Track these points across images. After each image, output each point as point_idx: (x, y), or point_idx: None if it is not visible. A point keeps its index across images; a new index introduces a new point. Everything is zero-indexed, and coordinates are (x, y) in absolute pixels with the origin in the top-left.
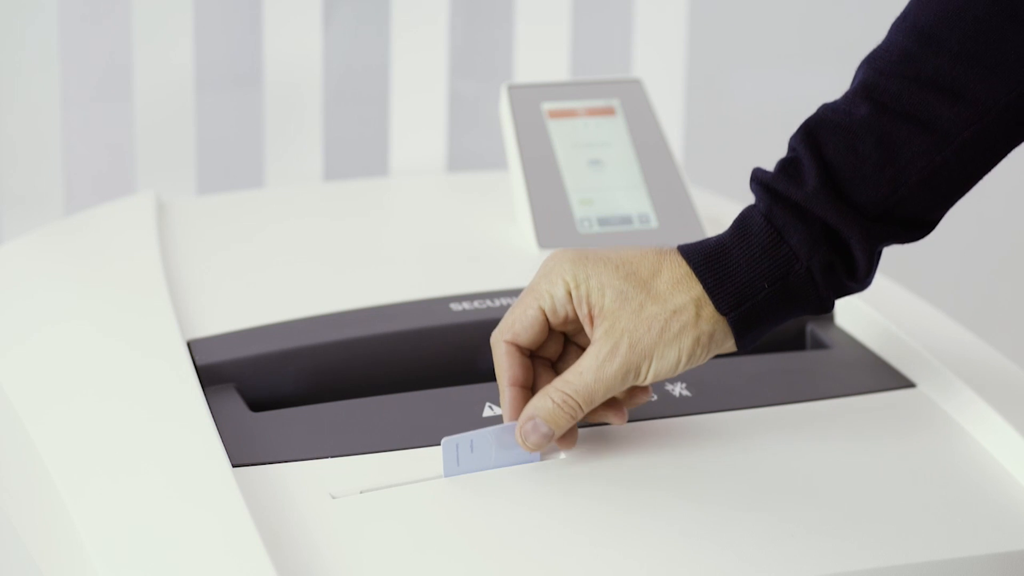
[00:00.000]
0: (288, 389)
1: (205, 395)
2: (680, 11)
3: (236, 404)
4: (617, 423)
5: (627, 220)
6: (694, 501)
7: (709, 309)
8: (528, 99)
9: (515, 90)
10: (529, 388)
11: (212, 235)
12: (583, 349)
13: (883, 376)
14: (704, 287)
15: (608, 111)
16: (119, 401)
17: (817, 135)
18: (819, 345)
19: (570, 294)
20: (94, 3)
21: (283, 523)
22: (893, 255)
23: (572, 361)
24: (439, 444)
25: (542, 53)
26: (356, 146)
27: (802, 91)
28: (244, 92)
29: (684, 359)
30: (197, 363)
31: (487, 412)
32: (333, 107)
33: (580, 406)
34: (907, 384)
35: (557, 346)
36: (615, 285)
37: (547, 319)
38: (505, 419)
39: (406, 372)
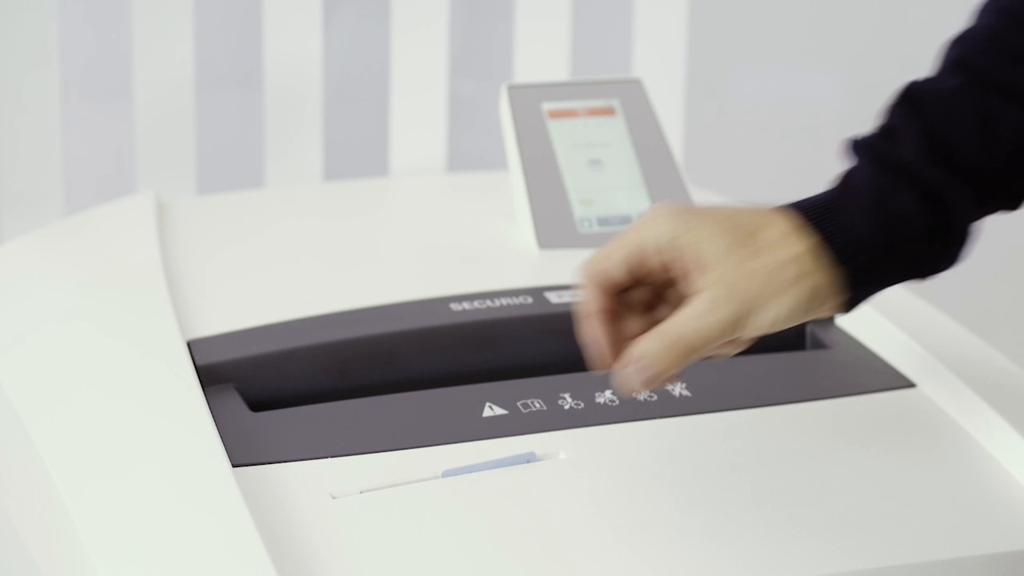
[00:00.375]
0: (288, 389)
1: (205, 395)
2: (680, 11)
3: (236, 404)
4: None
5: (627, 220)
6: (694, 501)
7: (822, 260)
8: (528, 99)
9: (515, 90)
10: (616, 330)
11: (212, 235)
12: (670, 305)
13: (883, 376)
14: (822, 236)
15: (608, 111)
16: (119, 401)
17: (914, 103)
18: (819, 345)
19: (672, 243)
20: (94, 3)
21: (283, 523)
22: None
23: (664, 315)
24: (439, 444)
25: (542, 53)
26: (356, 146)
27: (802, 91)
28: (244, 92)
29: (794, 312)
30: (197, 363)
31: (487, 412)
32: (333, 107)
33: (681, 356)
34: (907, 384)
35: (644, 295)
36: (721, 236)
37: (640, 263)
38: (594, 351)
39: (406, 372)
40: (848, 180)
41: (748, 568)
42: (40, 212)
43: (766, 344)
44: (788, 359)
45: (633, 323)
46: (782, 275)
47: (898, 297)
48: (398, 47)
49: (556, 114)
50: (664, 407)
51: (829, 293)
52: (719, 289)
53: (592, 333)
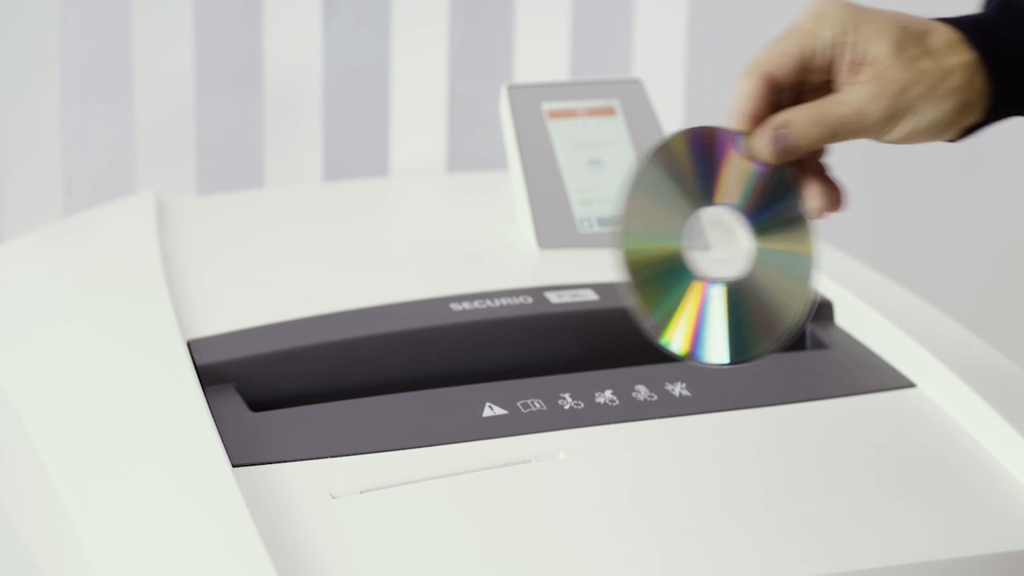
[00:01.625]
0: (288, 389)
1: (205, 395)
2: (680, 11)
3: (236, 404)
4: (815, 210)
5: None
6: (694, 501)
7: (980, 77)
8: (528, 99)
9: (515, 90)
10: (769, 97)
11: (212, 235)
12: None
13: (883, 376)
14: (980, 53)
15: (608, 111)
16: (119, 401)
17: None
18: (819, 345)
19: (839, 38)
20: (94, 3)
21: (283, 523)
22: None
23: None
24: (439, 444)
25: (542, 53)
26: (356, 146)
27: None
28: (244, 92)
29: (944, 121)
30: (197, 363)
31: (487, 412)
32: (333, 107)
33: (833, 132)
34: (907, 384)
35: (799, 76)
36: (891, 34)
37: (806, 60)
38: (737, 125)
39: (406, 372)
40: (1010, 8)
41: (748, 568)
42: (40, 212)
43: None
44: (788, 359)
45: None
46: (945, 82)
47: (899, 297)
48: (398, 47)
49: (556, 114)
50: (664, 407)
51: (978, 107)
52: (885, 82)
53: (747, 88)
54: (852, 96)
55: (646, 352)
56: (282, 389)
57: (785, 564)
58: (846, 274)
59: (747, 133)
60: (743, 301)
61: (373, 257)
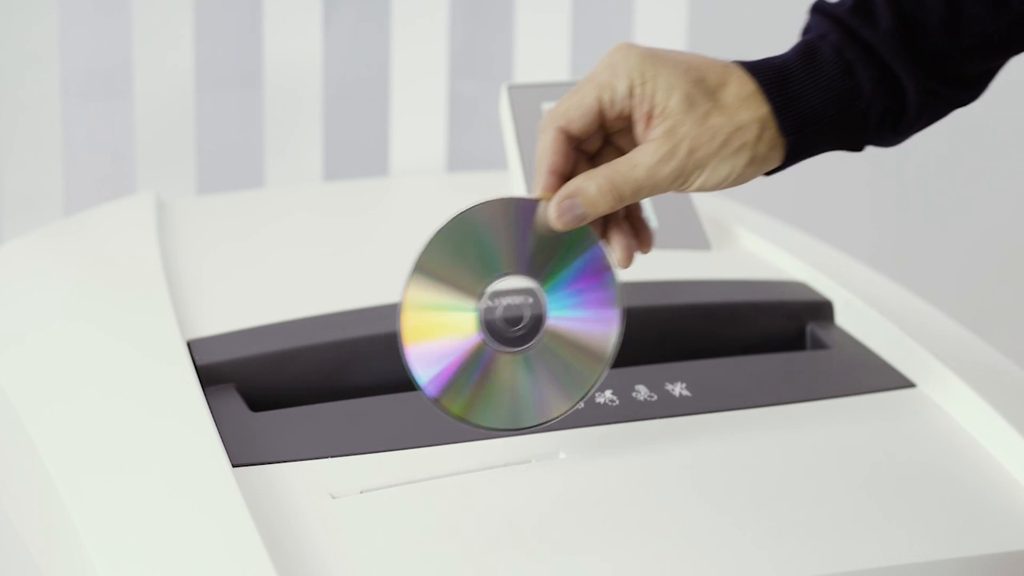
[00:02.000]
0: (288, 389)
1: (205, 395)
2: (680, 11)
3: (236, 404)
4: (621, 263)
5: None
6: (694, 501)
7: (772, 131)
8: (528, 99)
9: (515, 90)
10: (566, 179)
11: (212, 235)
12: (620, 150)
13: (883, 376)
14: (772, 107)
15: None
16: (119, 401)
17: None
18: (819, 345)
19: (632, 91)
20: (94, 3)
21: (283, 523)
22: (893, 255)
23: (610, 159)
24: (439, 444)
25: (542, 53)
26: (356, 146)
27: None
28: (244, 92)
29: (734, 176)
30: (197, 363)
31: None
32: (333, 107)
33: (623, 198)
34: (907, 384)
35: (598, 142)
36: (683, 88)
37: (602, 111)
38: (535, 193)
39: (406, 372)
40: (809, 49)
41: (748, 568)
42: (40, 212)
43: (766, 344)
44: (788, 359)
45: (583, 167)
46: (736, 139)
47: (899, 297)
48: (398, 47)
49: None
50: (664, 407)
51: (772, 159)
52: (675, 140)
53: (544, 143)
54: (643, 158)
55: (646, 352)
56: (282, 389)
57: (785, 564)
58: (846, 274)
59: (545, 199)
60: (533, 371)
61: (373, 257)
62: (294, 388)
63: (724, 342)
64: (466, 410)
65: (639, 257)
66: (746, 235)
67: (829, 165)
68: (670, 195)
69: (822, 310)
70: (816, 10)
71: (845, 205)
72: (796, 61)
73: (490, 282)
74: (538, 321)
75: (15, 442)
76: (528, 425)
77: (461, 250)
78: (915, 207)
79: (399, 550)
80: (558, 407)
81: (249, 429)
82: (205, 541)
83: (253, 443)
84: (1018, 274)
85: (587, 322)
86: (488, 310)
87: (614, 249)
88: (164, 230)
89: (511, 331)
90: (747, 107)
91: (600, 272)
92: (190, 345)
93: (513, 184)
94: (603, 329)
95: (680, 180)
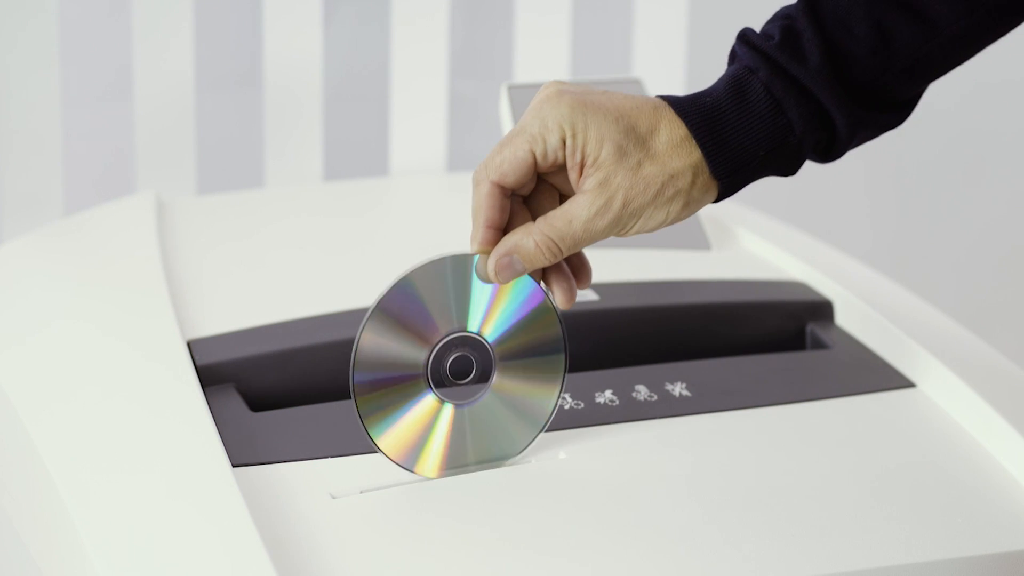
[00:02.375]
0: (288, 389)
1: (205, 395)
2: (680, 11)
3: (236, 404)
4: (563, 304)
5: None
6: (694, 501)
7: (705, 176)
8: (528, 99)
9: (515, 90)
10: (503, 230)
11: (212, 235)
12: (556, 189)
13: (883, 376)
14: (703, 153)
15: None
16: (119, 401)
17: (818, 11)
18: (819, 345)
19: (564, 141)
20: (94, 3)
21: (283, 523)
22: (893, 255)
23: (545, 201)
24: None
25: (542, 53)
26: (356, 146)
27: None
28: (244, 92)
29: (670, 219)
30: (197, 363)
31: None
32: (333, 107)
33: (561, 251)
34: (907, 384)
35: (532, 184)
36: (614, 138)
37: (536, 163)
38: (473, 249)
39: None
40: (738, 85)
41: (748, 568)
42: (40, 212)
43: (766, 344)
44: (788, 359)
45: (519, 213)
46: (669, 187)
47: (899, 297)
48: (398, 47)
49: None
50: (664, 407)
51: (707, 199)
52: (609, 191)
53: (478, 198)
54: (578, 212)
55: (646, 352)
56: (282, 389)
57: (785, 564)
58: (846, 274)
59: (483, 253)
60: (478, 423)
61: (373, 257)
62: (294, 388)
63: (724, 342)
64: (439, 470)
65: (640, 257)
66: (746, 235)
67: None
68: None
69: (822, 310)
70: (744, 41)
71: (844, 205)
72: (726, 100)
73: (437, 341)
74: (487, 371)
75: (15, 442)
76: (497, 459)
77: (405, 314)
78: (914, 207)
79: (399, 550)
80: (523, 440)
81: (249, 429)
82: (205, 541)
83: (253, 443)
84: (1018, 274)
85: (535, 366)
86: (436, 368)
87: (554, 292)
88: (164, 230)
89: (462, 384)
90: (679, 154)
91: (542, 316)
92: (190, 345)
93: None
94: (551, 371)
95: (617, 229)
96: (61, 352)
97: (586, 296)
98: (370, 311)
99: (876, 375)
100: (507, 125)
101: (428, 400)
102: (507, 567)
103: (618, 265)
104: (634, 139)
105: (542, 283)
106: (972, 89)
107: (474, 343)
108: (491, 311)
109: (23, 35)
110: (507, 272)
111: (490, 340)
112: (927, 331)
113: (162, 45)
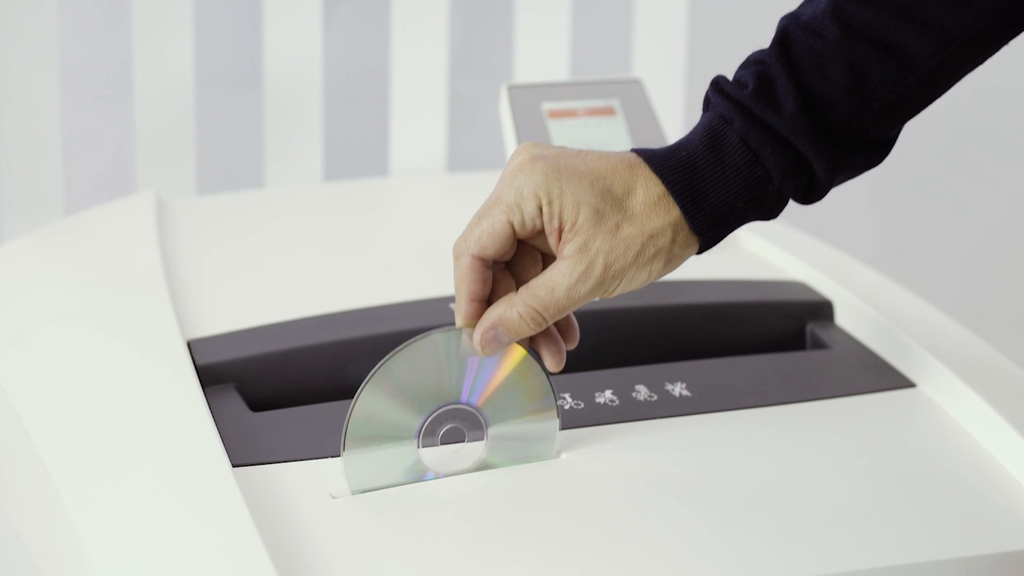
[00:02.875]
0: (288, 389)
1: (205, 395)
2: (680, 11)
3: (236, 404)
4: (553, 367)
5: None
6: (694, 501)
7: (685, 232)
8: (528, 99)
9: (515, 90)
10: (487, 301)
11: (212, 235)
12: (538, 250)
13: (883, 376)
14: (682, 210)
15: (608, 111)
16: (119, 401)
17: (791, 55)
18: (819, 345)
19: (541, 209)
20: (94, 4)
21: (283, 523)
22: (894, 255)
23: (527, 263)
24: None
25: (542, 53)
26: (356, 146)
27: None
28: (244, 92)
29: (653, 277)
30: (197, 363)
31: None
32: (333, 107)
33: (546, 320)
34: (907, 384)
35: (512, 251)
36: (591, 202)
37: (514, 232)
38: (459, 324)
39: None
40: (713, 138)
41: (748, 568)
42: (40, 212)
43: (766, 344)
44: (788, 359)
45: (502, 280)
46: (649, 247)
47: (899, 297)
48: (398, 47)
49: (556, 114)
50: (664, 407)
51: (688, 254)
52: (589, 256)
53: (460, 272)
54: (560, 279)
55: (646, 352)
56: (282, 389)
57: (785, 564)
58: (846, 274)
59: (468, 327)
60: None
61: (373, 257)
62: (294, 388)
63: (724, 342)
64: None
65: None
66: (746, 235)
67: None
68: None
69: (822, 310)
70: (717, 90)
71: (845, 205)
72: (702, 153)
73: (427, 416)
74: (480, 442)
75: (15, 442)
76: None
77: (394, 393)
78: (915, 207)
79: (399, 550)
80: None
81: (249, 429)
82: (205, 541)
83: (253, 443)
84: (1018, 274)
85: (529, 432)
86: (428, 441)
87: (544, 356)
88: (164, 230)
89: (455, 456)
90: (657, 213)
91: (533, 380)
92: (190, 345)
93: None
94: (545, 431)
95: (600, 291)
96: (61, 352)
97: None
98: (357, 395)
99: (876, 375)
100: (507, 125)
101: (423, 477)
102: (507, 567)
103: None
104: (611, 201)
105: (531, 350)
106: (973, 90)
107: (465, 415)
108: (480, 382)
109: (23, 35)
110: (493, 345)
111: (483, 410)
112: (927, 331)
113: (162, 45)
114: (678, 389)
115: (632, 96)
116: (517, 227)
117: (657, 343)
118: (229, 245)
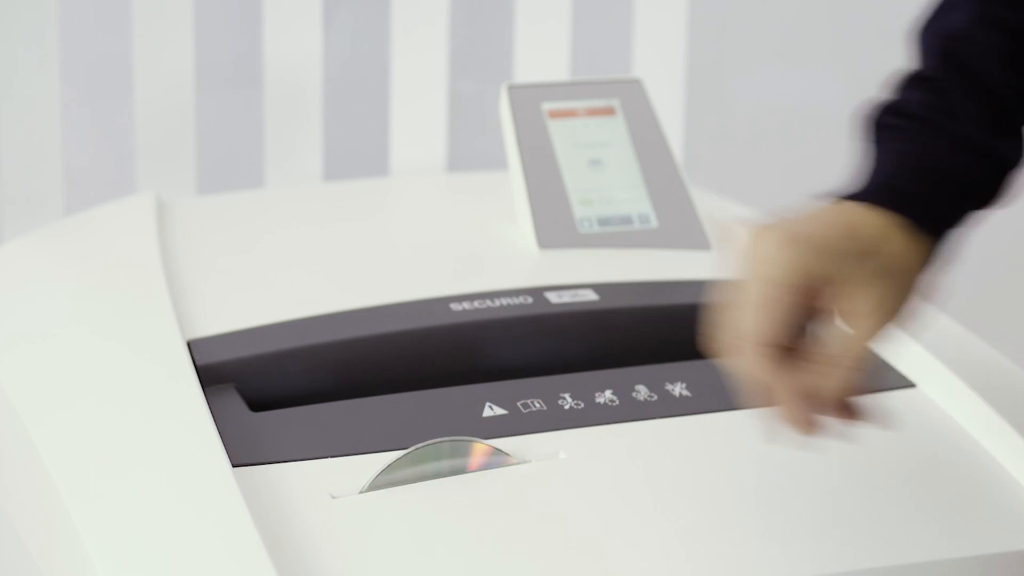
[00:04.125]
0: (288, 389)
1: (205, 395)
2: (680, 11)
3: (236, 404)
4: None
5: (627, 220)
6: (694, 501)
7: (935, 259)
8: (528, 99)
9: (515, 90)
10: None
11: (212, 235)
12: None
13: (883, 376)
14: (930, 239)
15: (608, 111)
16: (119, 401)
17: (960, 64)
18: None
19: (802, 283)
20: (94, 3)
21: (283, 523)
22: None
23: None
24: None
25: (542, 53)
26: (356, 146)
27: (802, 91)
28: (244, 92)
29: (918, 306)
30: (197, 363)
31: (487, 412)
32: (333, 107)
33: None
34: (907, 384)
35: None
36: (851, 262)
37: (787, 311)
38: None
39: (406, 372)
40: (922, 163)
41: (748, 568)
42: (40, 212)
43: None
44: None
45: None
46: (917, 287)
47: None
48: (398, 47)
49: (556, 114)
50: (664, 407)
51: (929, 266)
52: (884, 315)
53: (752, 366)
54: (864, 334)
55: (646, 352)
56: (282, 389)
57: (785, 564)
58: None
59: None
60: None
61: (373, 257)
62: (294, 388)
63: None
64: None
65: (640, 257)
66: (746, 235)
67: (828, 165)
68: (669, 192)
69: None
70: (900, 111)
71: None
72: (920, 181)
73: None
74: None
75: (15, 441)
76: None
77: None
78: None
79: (399, 550)
80: None
81: (249, 429)
82: (205, 541)
83: (253, 443)
84: (1018, 274)
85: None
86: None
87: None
88: (164, 230)
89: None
90: (912, 254)
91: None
92: (190, 345)
93: (513, 184)
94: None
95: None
96: (61, 352)
97: (586, 296)
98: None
99: (876, 375)
100: (507, 125)
101: None
102: (507, 567)
103: (618, 265)
104: (873, 261)
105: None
106: None
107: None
108: None
109: (23, 34)
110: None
111: None
112: (927, 331)
113: (162, 45)
114: (678, 389)
115: (632, 96)
116: (787, 307)
117: (657, 343)
118: (229, 245)
